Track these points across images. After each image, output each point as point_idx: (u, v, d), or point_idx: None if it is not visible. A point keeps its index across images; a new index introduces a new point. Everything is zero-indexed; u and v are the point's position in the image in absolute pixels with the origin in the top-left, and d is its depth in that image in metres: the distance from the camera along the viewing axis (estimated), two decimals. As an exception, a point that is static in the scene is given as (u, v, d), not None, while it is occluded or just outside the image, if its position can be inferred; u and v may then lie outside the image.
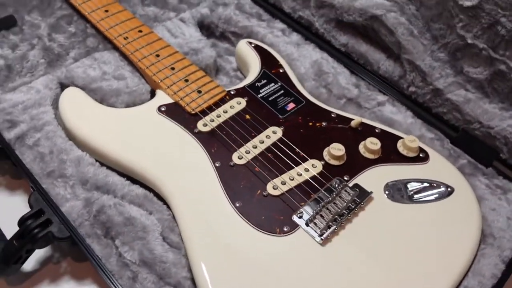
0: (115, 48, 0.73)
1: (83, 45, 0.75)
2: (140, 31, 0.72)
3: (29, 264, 0.58)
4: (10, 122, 0.61)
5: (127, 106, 0.67)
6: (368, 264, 0.51)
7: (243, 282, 0.49)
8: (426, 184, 0.59)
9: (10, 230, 0.55)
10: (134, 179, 0.59)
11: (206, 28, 0.82)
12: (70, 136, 0.62)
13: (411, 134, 0.67)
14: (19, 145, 0.60)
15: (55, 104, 0.65)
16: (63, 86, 0.68)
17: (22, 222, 0.53)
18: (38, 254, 0.59)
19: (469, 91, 0.65)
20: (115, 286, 0.50)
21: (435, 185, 0.59)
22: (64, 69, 0.68)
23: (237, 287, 0.48)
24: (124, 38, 0.70)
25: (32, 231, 0.52)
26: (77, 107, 0.63)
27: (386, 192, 0.58)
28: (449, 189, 0.59)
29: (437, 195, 0.58)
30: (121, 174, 0.59)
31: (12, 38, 0.73)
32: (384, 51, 0.72)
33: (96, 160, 0.60)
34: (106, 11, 0.74)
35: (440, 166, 0.62)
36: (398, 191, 0.58)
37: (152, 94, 0.69)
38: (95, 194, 0.56)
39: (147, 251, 0.52)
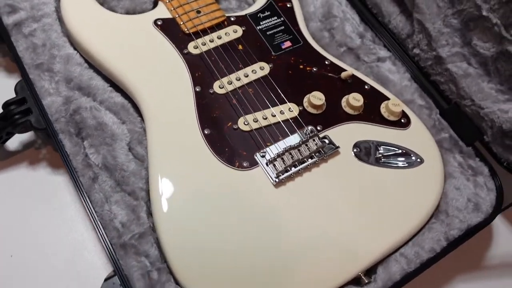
0: None
1: None
2: None
3: (13, 144, 0.64)
4: (11, 7, 0.63)
5: (127, 12, 0.67)
6: (316, 212, 0.53)
7: (192, 204, 0.52)
8: (397, 151, 0.59)
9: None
10: (118, 88, 0.61)
11: None
12: (66, 32, 0.63)
13: (403, 97, 0.66)
14: (15, 32, 0.62)
15: (57, -4, 0.66)
16: (68, -21, 0.68)
17: (5, 106, 0.57)
18: (23, 137, 0.64)
19: (471, 66, 0.62)
20: (76, 182, 0.54)
21: (405, 152, 0.59)
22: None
23: (187, 207, 0.52)
24: None
25: (13, 116, 0.56)
26: (78, 7, 0.63)
27: (355, 150, 0.58)
28: (418, 160, 0.59)
29: (404, 163, 0.59)
30: (106, 79, 0.61)
31: None
32: (399, 5, 0.68)
33: (85, 61, 0.62)
34: None
35: (418, 136, 0.62)
36: (366, 151, 0.58)
37: (155, 4, 0.68)
38: (76, 93, 0.59)
39: (110, 157, 0.55)
